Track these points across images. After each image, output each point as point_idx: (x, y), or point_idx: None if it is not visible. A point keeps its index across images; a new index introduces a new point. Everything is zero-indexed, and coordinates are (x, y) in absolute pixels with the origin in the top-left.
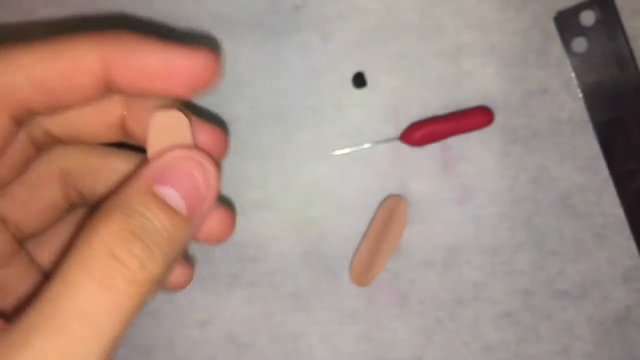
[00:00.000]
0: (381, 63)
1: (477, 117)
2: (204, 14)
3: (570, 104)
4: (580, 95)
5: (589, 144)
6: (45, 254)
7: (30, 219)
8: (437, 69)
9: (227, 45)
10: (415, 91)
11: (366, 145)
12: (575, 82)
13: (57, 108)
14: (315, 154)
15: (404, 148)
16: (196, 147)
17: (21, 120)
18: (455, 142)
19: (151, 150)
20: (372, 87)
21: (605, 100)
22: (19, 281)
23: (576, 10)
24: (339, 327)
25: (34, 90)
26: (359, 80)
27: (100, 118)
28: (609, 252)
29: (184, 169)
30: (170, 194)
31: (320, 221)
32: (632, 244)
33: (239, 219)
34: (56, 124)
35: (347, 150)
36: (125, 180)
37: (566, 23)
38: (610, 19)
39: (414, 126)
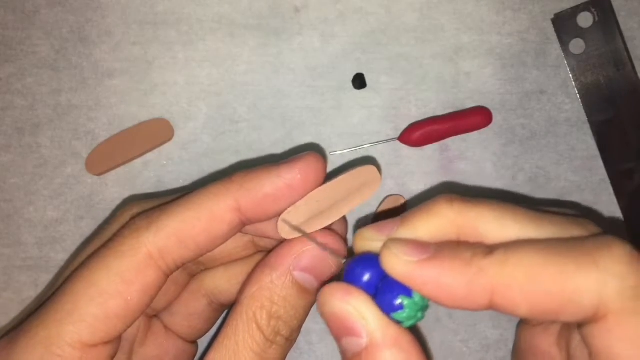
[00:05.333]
0: (381, 64)
1: (476, 117)
2: (205, 15)
3: (568, 105)
4: (578, 95)
5: (586, 144)
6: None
7: (186, 327)
8: (436, 70)
9: (228, 46)
10: (415, 92)
11: (366, 146)
12: (572, 83)
13: (202, 254)
14: None
15: (403, 148)
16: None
17: (173, 271)
18: (454, 143)
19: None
20: (371, 88)
21: (602, 100)
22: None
23: (574, 12)
24: None
25: (184, 250)
26: (359, 81)
27: (235, 243)
28: None
29: (318, 256)
30: (306, 278)
31: None
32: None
33: None
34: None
35: (346, 150)
36: (265, 266)
37: (564, 25)
38: (607, 21)
39: (413, 127)
